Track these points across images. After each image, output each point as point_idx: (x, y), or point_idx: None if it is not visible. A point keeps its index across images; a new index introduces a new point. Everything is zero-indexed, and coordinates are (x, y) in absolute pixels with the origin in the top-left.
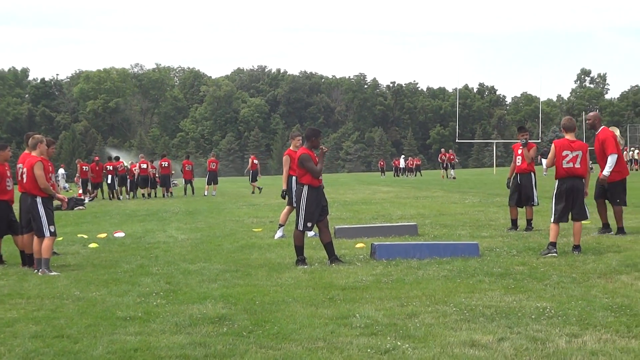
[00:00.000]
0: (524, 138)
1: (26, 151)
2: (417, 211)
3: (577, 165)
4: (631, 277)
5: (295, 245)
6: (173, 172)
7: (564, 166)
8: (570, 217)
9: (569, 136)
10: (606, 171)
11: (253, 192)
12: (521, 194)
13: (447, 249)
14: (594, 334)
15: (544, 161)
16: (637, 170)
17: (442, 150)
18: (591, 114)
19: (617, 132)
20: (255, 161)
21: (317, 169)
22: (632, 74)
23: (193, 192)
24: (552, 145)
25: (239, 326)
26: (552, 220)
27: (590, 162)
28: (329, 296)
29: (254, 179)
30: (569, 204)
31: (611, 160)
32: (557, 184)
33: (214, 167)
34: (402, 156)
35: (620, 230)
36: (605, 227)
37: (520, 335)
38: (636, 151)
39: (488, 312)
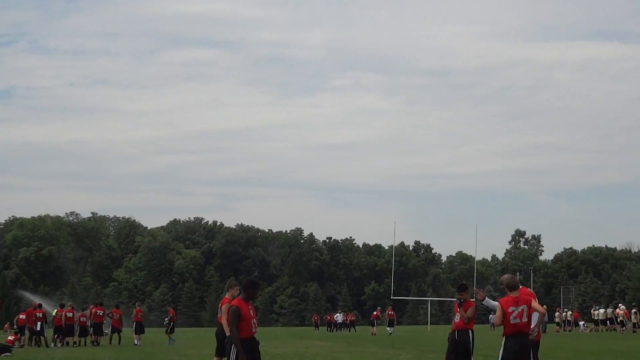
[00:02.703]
0: (460, 297)
1: None
2: None
3: (525, 320)
4: None
5: None
6: (104, 321)
7: (511, 322)
8: None
9: (512, 294)
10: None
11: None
12: (458, 351)
13: None
14: None
15: (491, 316)
16: (570, 331)
17: (379, 308)
18: (506, 275)
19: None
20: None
21: (234, 333)
22: (565, 236)
23: (120, 342)
24: (498, 304)
25: None
26: None
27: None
28: None
29: (142, 331)
30: None
31: (533, 318)
32: (504, 341)
33: (140, 317)
34: (339, 311)
35: None
36: None
37: None
38: (569, 312)
39: None
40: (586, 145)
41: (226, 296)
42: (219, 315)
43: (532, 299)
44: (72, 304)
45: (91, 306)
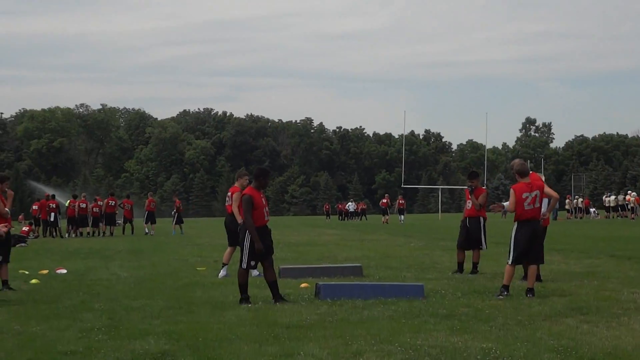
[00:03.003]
0: (471, 184)
1: None
2: (362, 253)
3: (537, 205)
4: (576, 320)
5: (239, 283)
6: (117, 212)
7: (525, 208)
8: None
9: (524, 180)
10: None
11: (182, 233)
12: (470, 237)
13: (392, 290)
14: None
15: (505, 203)
16: (581, 218)
17: (386, 195)
18: (516, 160)
19: (543, 178)
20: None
21: (249, 221)
22: (576, 123)
23: (132, 232)
24: (512, 191)
25: None
26: (509, 262)
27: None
28: (273, 334)
29: (153, 221)
30: (528, 246)
31: (543, 204)
32: (516, 226)
33: (152, 207)
34: (351, 200)
35: (537, 278)
36: (536, 278)
37: None
38: (580, 200)
39: (433, 352)
40: (596, 32)
41: (235, 185)
42: (227, 204)
43: (544, 185)
44: (85, 194)
45: (97, 198)
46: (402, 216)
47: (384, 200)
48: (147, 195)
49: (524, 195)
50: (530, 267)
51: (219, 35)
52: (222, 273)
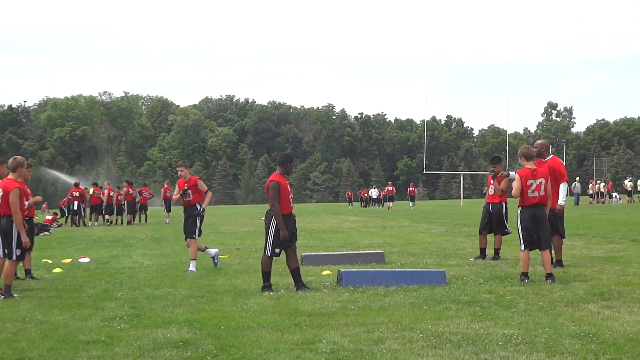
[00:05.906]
0: (494, 170)
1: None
2: (384, 240)
3: (542, 193)
4: (598, 306)
5: (262, 271)
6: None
7: (529, 195)
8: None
9: (529, 165)
10: (561, 201)
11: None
12: (492, 222)
13: (413, 277)
14: None
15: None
16: (602, 203)
17: (390, 182)
18: (539, 141)
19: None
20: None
21: (276, 208)
22: (598, 107)
23: (146, 220)
24: (516, 176)
25: (204, 350)
26: (521, 248)
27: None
28: (294, 322)
29: (169, 209)
30: (535, 232)
31: (564, 188)
32: (519, 211)
33: (169, 195)
34: (374, 187)
35: (559, 263)
36: (558, 263)
37: None
38: (602, 184)
39: (455, 338)
40: (619, 14)
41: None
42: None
43: (548, 173)
44: (109, 182)
45: (127, 186)
46: (413, 202)
47: (390, 188)
48: (164, 183)
49: (529, 182)
50: (542, 253)
51: (241, 21)
52: (211, 252)
